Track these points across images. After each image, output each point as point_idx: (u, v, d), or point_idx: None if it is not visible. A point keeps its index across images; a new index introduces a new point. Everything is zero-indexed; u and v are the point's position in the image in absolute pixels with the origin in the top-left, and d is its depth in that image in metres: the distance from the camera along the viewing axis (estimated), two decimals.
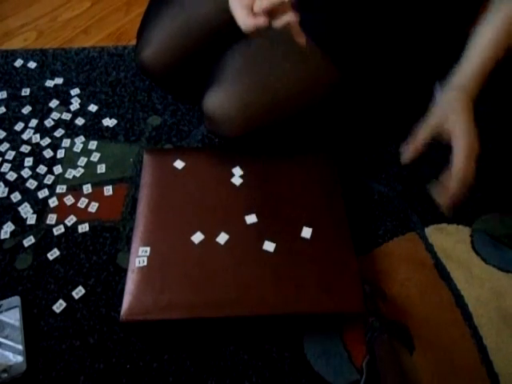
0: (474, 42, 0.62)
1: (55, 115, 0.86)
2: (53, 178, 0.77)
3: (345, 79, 0.74)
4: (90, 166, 0.79)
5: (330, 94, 0.77)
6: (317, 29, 0.67)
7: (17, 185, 0.76)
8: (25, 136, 0.82)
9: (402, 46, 0.72)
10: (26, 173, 0.78)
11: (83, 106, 0.87)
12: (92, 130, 0.84)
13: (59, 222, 0.72)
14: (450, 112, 0.60)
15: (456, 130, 0.60)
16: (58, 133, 0.83)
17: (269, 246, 0.64)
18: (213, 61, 0.74)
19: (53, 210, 0.73)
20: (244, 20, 0.51)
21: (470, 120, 0.59)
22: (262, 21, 0.50)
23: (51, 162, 0.79)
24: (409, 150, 0.62)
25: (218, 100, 0.72)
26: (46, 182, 0.77)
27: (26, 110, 0.86)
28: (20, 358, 0.58)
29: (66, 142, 0.82)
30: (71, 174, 0.78)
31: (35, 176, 0.78)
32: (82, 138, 0.83)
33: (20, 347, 0.59)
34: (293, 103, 0.72)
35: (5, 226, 0.71)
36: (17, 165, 0.79)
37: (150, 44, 0.79)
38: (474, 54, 0.61)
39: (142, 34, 0.82)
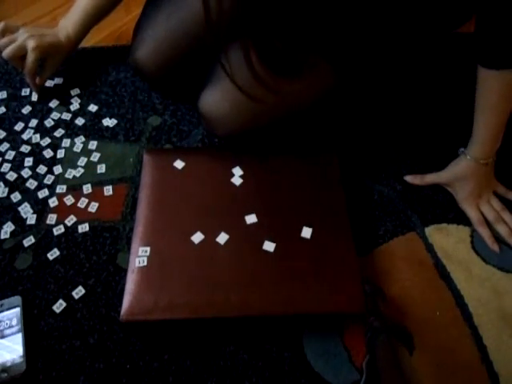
0: (478, 109, 0.67)
1: (55, 115, 0.86)
2: (53, 177, 0.77)
3: (341, 79, 0.74)
4: (89, 166, 0.79)
5: (327, 95, 0.77)
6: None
7: (17, 185, 0.76)
8: (25, 136, 0.82)
9: (394, 45, 0.72)
10: (25, 173, 0.78)
11: (83, 106, 0.87)
12: (92, 130, 0.84)
13: (59, 222, 0.72)
14: (456, 179, 0.73)
15: (457, 197, 0.75)
16: (58, 133, 0.83)
17: (269, 246, 0.64)
18: (208, 61, 0.73)
19: (53, 210, 0.73)
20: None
21: (473, 188, 0.72)
22: None
23: (51, 162, 0.79)
24: (414, 181, 0.77)
25: (214, 100, 0.72)
26: (45, 182, 0.77)
27: (26, 110, 0.86)
28: (20, 358, 0.58)
29: (66, 142, 0.82)
30: (71, 174, 0.78)
31: (35, 176, 0.77)
32: (82, 138, 0.83)
33: (20, 347, 0.59)
34: (288, 103, 0.72)
35: (5, 226, 0.71)
36: (17, 165, 0.79)
37: (144, 44, 0.79)
38: (480, 126, 0.68)
39: (136, 34, 0.81)
